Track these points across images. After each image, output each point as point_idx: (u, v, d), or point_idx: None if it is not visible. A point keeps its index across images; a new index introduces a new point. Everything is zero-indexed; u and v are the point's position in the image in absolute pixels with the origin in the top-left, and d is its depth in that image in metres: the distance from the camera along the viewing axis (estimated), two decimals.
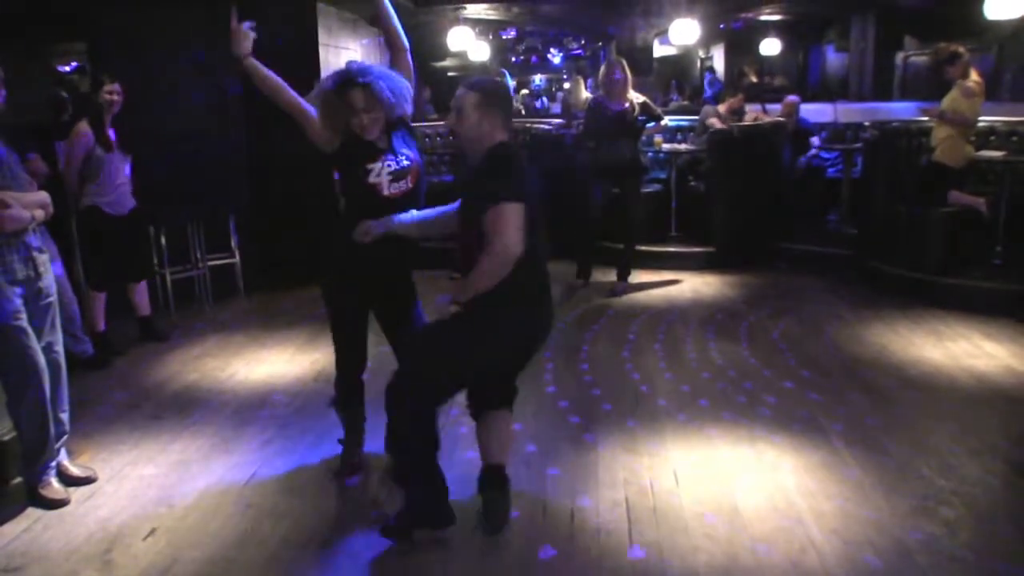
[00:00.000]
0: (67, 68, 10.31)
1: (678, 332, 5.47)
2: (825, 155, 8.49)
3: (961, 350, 4.94)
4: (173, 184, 5.46)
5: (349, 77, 3.01)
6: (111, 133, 5.01)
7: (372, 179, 3.08)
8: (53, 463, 3.35)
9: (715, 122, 7.64)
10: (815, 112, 9.23)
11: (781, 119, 8.25)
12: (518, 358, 2.99)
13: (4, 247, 3.11)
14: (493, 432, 3.05)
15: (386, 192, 3.10)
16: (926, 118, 6.45)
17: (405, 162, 3.15)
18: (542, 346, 3.02)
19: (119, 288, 5.38)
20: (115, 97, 4.96)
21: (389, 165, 3.11)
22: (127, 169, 5.16)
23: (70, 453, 3.55)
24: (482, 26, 12.19)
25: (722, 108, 8.00)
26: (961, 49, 6.02)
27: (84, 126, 4.95)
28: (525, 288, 2.79)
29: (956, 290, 5.88)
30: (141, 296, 5.48)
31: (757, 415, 4.05)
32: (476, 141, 2.81)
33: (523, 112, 14.32)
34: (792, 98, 8.66)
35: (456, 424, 3.89)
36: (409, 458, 2.90)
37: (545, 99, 18.70)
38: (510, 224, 2.62)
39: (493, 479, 3.05)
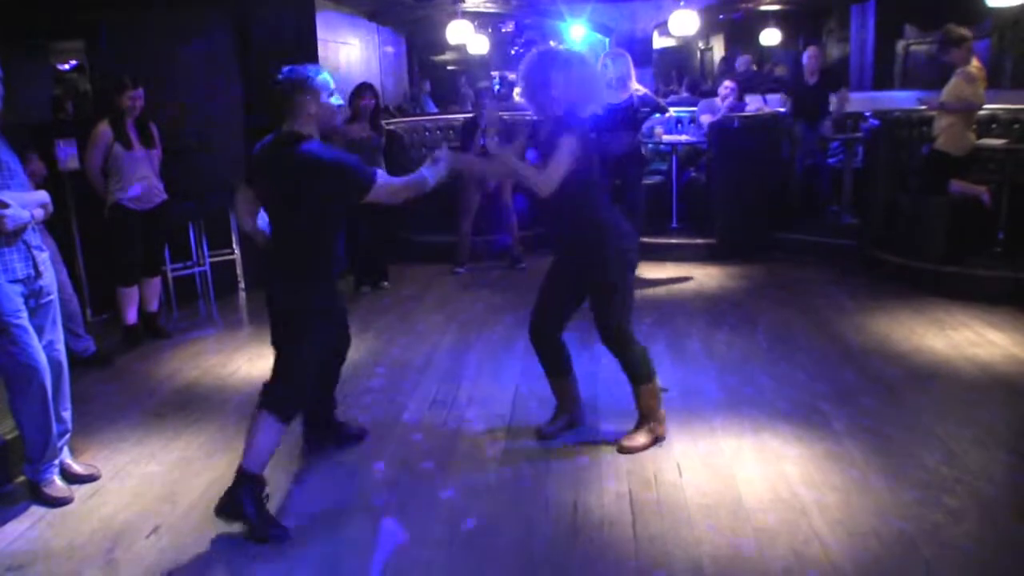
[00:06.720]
0: (66, 66, 10.30)
1: (680, 324, 5.46)
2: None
3: (963, 339, 4.92)
4: (172, 181, 5.49)
5: None
6: (132, 131, 5.15)
7: None
8: (56, 461, 3.35)
9: (708, 118, 7.60)
10: None
11: (781, 110, 8.21)
12: None
13: (4, 246, 3.11)
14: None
15: None
16: (925, 107, 6.42)
17: None
18: None
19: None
20: (137, 103, 5.13)
21: None
22: (151, 165, 5.27)
23: (72, 451, 3.55)
24: (481, 19, 12.16)
25: (718, 100, 7.98)
26: (969, 34, 5.98)
27: (103, 126, 5.10)
28: None
29: (958, 279, 5.86)
30: (152, 291, 5.50)
31: (760, 406, 4.04)
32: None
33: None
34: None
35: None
36: None
37: None
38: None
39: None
